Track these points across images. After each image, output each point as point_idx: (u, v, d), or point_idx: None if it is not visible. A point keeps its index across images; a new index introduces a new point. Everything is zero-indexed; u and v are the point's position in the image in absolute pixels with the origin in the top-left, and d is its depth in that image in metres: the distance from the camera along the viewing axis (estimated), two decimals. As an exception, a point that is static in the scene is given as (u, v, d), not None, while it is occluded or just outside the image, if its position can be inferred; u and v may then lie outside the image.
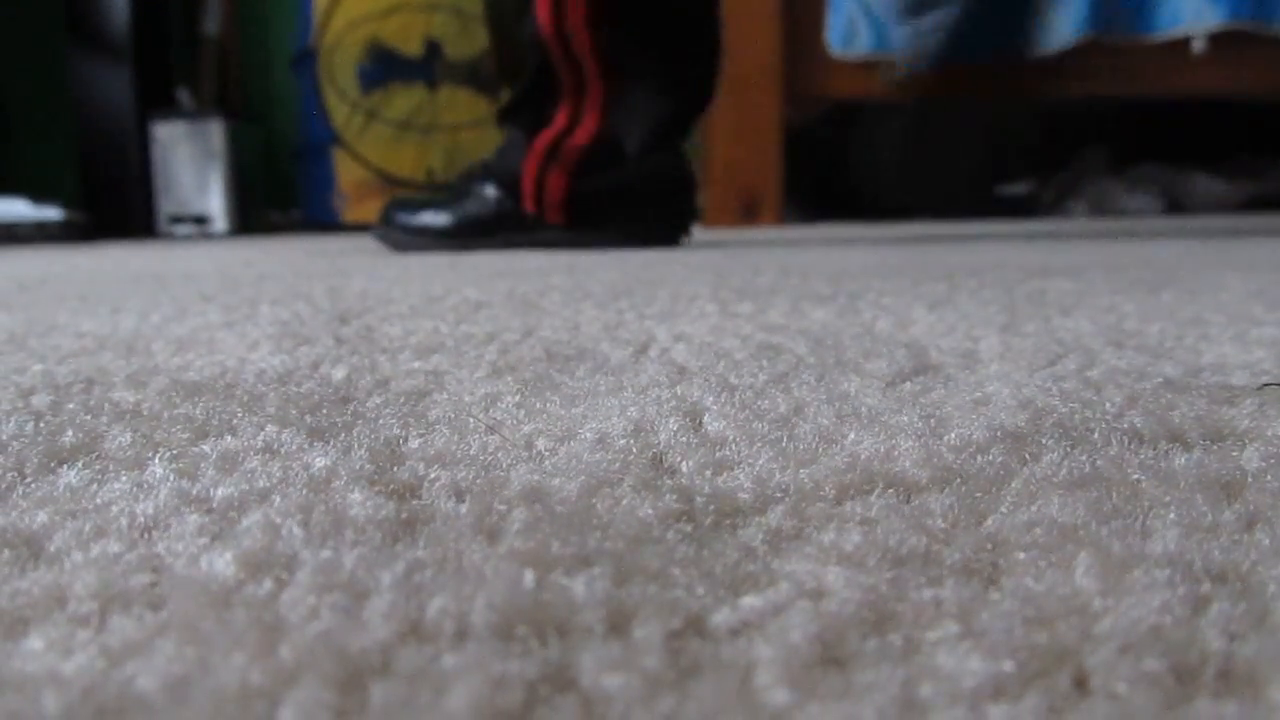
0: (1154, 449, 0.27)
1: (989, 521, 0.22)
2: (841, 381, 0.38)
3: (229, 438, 0.30)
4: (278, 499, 0.24)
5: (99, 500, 0.24)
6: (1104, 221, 1.95)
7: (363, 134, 2.42)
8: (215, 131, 2.51)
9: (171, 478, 0.25)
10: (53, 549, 0.21)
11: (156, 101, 2.53)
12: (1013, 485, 0.24)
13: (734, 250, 1.26)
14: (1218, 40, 2.00)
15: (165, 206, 2.53)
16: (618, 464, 0.26)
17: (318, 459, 0.27)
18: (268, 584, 0.19)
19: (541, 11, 1.36)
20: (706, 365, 0.42)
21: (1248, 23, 2.00)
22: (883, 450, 0.27)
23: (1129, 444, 0.28)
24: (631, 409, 0.33)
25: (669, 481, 0.25)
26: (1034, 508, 0.22)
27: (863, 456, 0.26)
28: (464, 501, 0.23)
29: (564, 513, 0.22)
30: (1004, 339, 0.48)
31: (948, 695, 0.15)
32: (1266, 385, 0.35)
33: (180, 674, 0.15)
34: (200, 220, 2.52)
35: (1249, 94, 2.11)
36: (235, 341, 0.52)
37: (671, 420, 0.31)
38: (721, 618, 0.17)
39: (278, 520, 0.22)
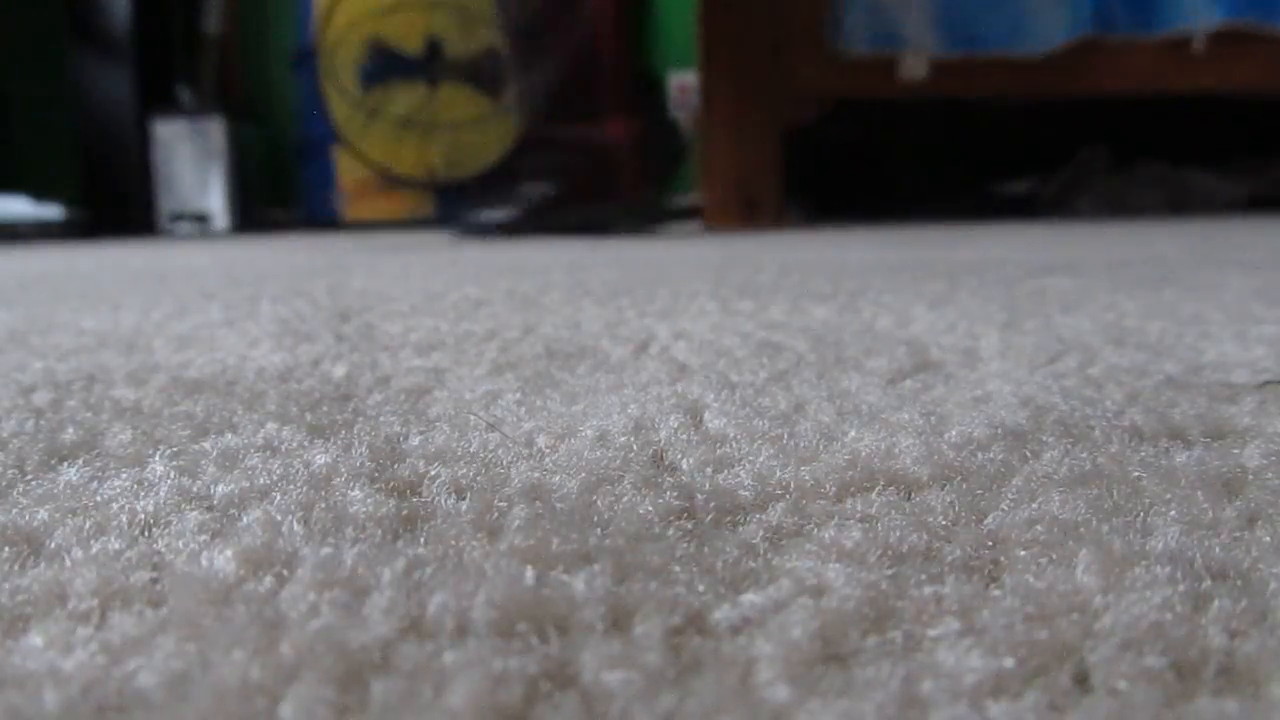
0: (1155, 446, 0.27)
1: (990, 519, 0.22)
2: (842, 379, 0.38)
3: (229, 435, 0.30)
4: (278, 496, 0.24)
5: (99, 497, 0.24)
6: (1104, 219, 1.95)
7: (363, 132, 2.42)
8: (216, 129, 2.51)
9: (172, 475, 0.25)
10: (53, 546, 0.21)
11: (157, 100, 2.53)
12: (1013, 482, 0.24)
13: (734, 248, 1.25)
14: (1218, 39, 2.00)
15: (166, 204, 2.53)
16: (618, 461, 0.26)
17: (318, 456, 0.27)
18: (268, 581, 0.19)
19: None
20: (707, 363, 0.42)
21: (1248, 22, 1.99)
22: (883, 447, 0.27)
23: (1130, 441, 0.28)
24: (632, 406, 0.33)
25: (669, 479, 0.25)
26: (1035, 505, 0.22)
27: (863, 454, 0.26)
28: (464, 499, 0.23)
29: (564, 510, 0.22)
30: (1004, 337, 0.48)
31: (948, 692, 0.15)
32: (1267, 383, 0.35)
33: (181, 670, 0.15)
34: (201, 218, 2.52)
35: (1249, 93, 2.11)
36: (236, 339, 0.52)
37: (672, 418, 0.31)
38: (722, 614, 0.17)
39: (278, 517, 0.22)
